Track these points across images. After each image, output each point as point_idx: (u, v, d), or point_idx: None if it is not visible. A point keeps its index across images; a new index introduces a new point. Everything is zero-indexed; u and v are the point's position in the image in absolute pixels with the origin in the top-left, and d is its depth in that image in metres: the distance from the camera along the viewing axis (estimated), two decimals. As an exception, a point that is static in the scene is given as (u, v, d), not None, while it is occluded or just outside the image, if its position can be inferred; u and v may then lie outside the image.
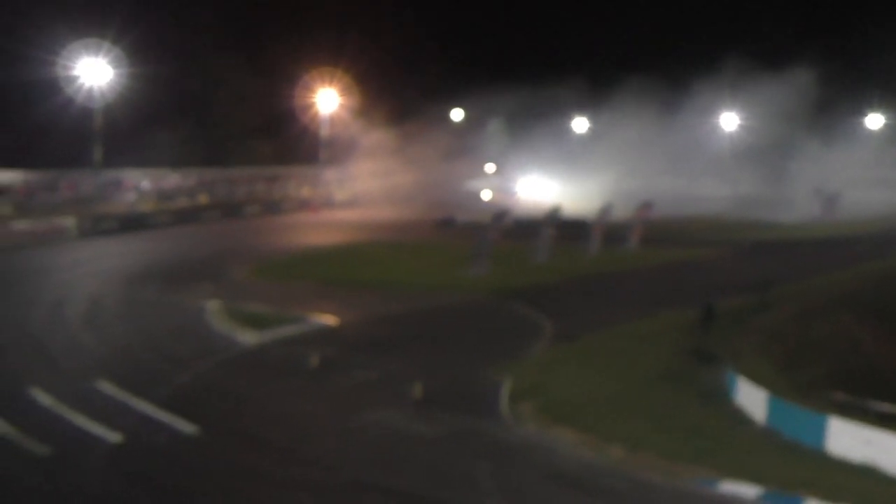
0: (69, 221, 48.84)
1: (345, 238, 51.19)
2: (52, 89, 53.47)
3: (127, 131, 59.31)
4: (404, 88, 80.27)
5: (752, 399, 18.33)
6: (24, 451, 16.13)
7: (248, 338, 25.34)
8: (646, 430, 17.25)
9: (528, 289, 33.57)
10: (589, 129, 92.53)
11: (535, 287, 34.10)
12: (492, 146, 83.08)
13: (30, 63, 51.77)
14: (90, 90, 53.98)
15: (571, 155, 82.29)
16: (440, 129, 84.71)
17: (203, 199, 64.20)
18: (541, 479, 15.41)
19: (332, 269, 38.43)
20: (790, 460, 15.88)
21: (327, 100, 76.30)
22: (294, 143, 78.39)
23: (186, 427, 17.62)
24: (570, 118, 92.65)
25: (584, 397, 19.57)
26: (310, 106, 76.16)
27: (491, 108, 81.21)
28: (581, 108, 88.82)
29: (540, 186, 69.65)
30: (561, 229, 41.58)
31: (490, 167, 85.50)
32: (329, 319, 27.96)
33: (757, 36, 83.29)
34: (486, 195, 69.23)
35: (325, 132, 78.14)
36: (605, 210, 44.69)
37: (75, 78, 53.34)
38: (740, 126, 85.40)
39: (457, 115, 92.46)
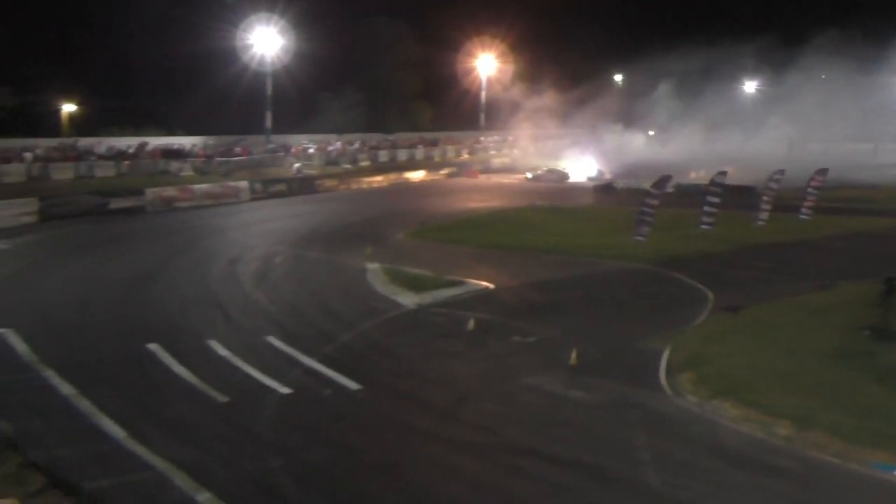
0: (242, 184, 51.60)
1: (502, 202, 51.41)
2: (229, 59, 56.48)
3: (296, 98, 61.98)
4: (566, 53, 79.14)
5: (937, 381, 17.11)
6: (205, 397, 17.33)
7: (407, 299, 25.94)
8: (816, 407, 16.39)
9: (691, 257, 32.54)
10: (761, 91, 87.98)
11: (699, 256, 33.00)
12: (660, 111, 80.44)
13: (210, 34, 54.80)
14: (262, 59, 56.59)
15: (742, 119, 78.66)
16: (606, 94, 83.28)
17: (365, 163, 65.95)
18: (702, 453, 15.00)
19: (489, 234, 38.67)
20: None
21: (487, 65, 76.50)
22: (454, 108, 79.30)
23: (350, 383, 18.32)
24: (748, 80, 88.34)
25: (748, 371, 18.83)
26: (470, 72, 76.64)
27: (661, 72, 78.43)
28: (764, 69, 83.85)
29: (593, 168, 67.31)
30: (727, 196, 39.89)
31: (650, 133, 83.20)
32: (486, 283, 28.19)
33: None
34: (529, 174, 67.24)
35: (484, 98, 78.48)
36: (776, 177, 42.59)
37: (249, 47, 56.03)
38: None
39: (621, 79, 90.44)
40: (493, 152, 78.84)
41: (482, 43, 75.07)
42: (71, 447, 14.41)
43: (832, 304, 25.08)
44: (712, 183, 40.02)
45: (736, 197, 42.18)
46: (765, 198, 41.62)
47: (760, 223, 40.55)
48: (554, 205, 49.86)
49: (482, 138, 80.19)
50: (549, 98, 77.43)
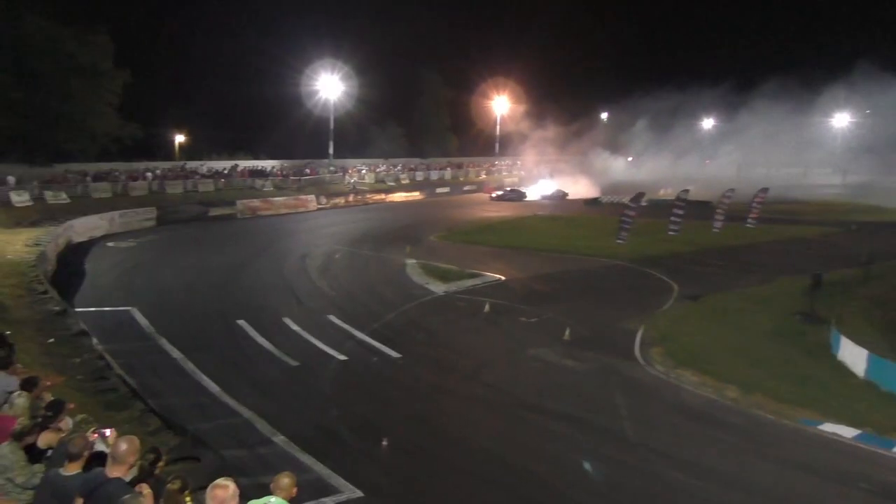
0: (310, 197, 51.83)
1: (512, 213, 51.21)
2: (302, 100, 57.13)
3: (352, 130, 62.42)
4: (565, 95, 78.86)
5: (853, 355, 16.82)
6: (281, 361, 17.52)
7: (437, 287, 25.97)
8: (758, 376, 16.29)
9: (661, 257, 32.26)
10: (717, 126, 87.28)
11: (667, 255, 32.70)
12: (637, 141, 79.86)
13: (288, 81, 55.63)
14: (327, 101, 57.10)
15: (701, 148, 78.08)
16: (595, 127, 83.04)
17: (405, 181, 65.96)
18: (667, 411, 14.96)
19: (501, 236, 38.57)
20: (885, 408, 14.50)
21: (501, 105, 76.59)
22: (475, 138, 79.40)
23: (392, 352, 18.42)
24: (707, 117, 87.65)
25: (705, 346, 18.71)
26: (487, 109, 76.69)
27: (639, 111, 77.97)
28: (720, 108, 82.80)
29: (549, 188, 63.12)
30: (689, 209, 39.42)
31: (629, 159, 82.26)
32: (499, 275, 28.13)
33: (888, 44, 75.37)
34: (494, 194, 62.11)
35: (498, 130, 78.55)
36: (728, 193, 42.15)
37: (316, 91, 56.59)
38: (853, 123, 77.63)
39: (606, 116, 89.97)
40: (504, 173, 78.40)
41: (497, 86, 75.11)
42: (179, 398, 14.65)
43: (772, 294, 24.86)
44: (678, 198, 39.63)
45: (696, 209, 41.76)
46: (719, 210, 41.16)
47: (716, 230, 40.09)
48: (552, 215, 49.61)
49: (496, 162, 79.89)
50: (550, 130, 76.94)
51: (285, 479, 5.69)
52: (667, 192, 56.08)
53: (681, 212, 38.37)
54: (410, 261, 30.41)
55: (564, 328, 20.18)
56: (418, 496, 11.20)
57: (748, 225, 42.21)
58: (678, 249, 34.40)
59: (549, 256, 32.76)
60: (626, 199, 42.25)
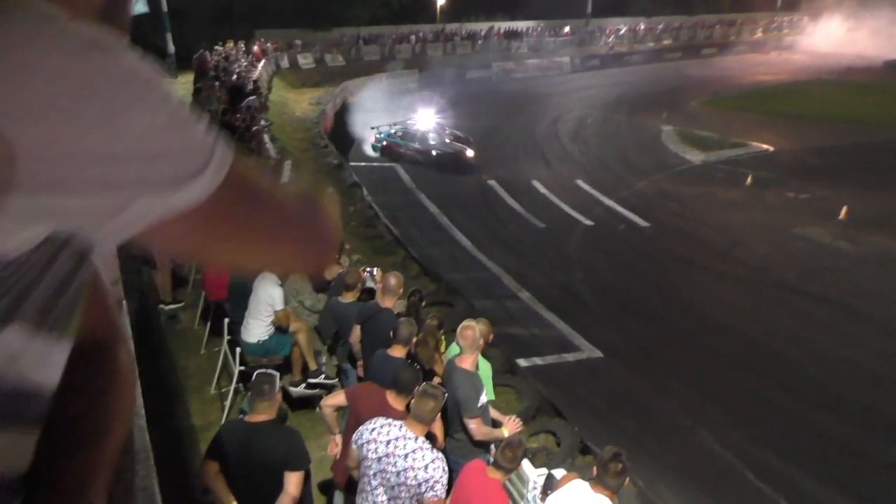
0: (565, 59, 50.23)
1: (789, 77, 44.86)
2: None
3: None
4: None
5: None
6: (528, 222, 17.95)
7: (694, 157, 24.26)
8: None
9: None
10: None
11: None
12: None
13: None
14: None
15: None
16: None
17: (667, 41, 60.75)
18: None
19: (774, 103, 34.11)
20: None
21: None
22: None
23: (641, 221, 17.89)
24: None
25: None
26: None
27: None
28: None
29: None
30: None
31: None
32: (767, 146, 25.28)
33: None
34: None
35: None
36: None
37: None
38: None
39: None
40: (785, 30, 68.34)
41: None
42: (436, 249, 15.85)
43: None
44: None
45: None
46: None
47: None
48: (841, 79, 42.44)
49: (776, 19, 69.70)
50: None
51: (471, 330, 5.51)
52: None
53: None
54: (667, 127, 28.50)
55: (841, 207, 17.74)
56: (657, 365, 11.07)
57: None
58: None
59: (830, 127, 28.39)
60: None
